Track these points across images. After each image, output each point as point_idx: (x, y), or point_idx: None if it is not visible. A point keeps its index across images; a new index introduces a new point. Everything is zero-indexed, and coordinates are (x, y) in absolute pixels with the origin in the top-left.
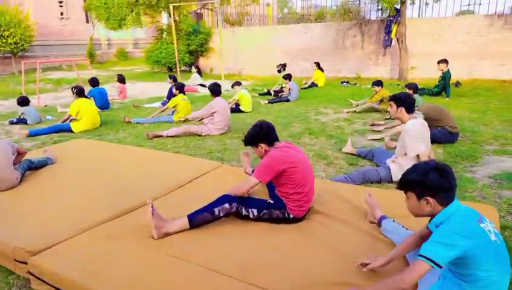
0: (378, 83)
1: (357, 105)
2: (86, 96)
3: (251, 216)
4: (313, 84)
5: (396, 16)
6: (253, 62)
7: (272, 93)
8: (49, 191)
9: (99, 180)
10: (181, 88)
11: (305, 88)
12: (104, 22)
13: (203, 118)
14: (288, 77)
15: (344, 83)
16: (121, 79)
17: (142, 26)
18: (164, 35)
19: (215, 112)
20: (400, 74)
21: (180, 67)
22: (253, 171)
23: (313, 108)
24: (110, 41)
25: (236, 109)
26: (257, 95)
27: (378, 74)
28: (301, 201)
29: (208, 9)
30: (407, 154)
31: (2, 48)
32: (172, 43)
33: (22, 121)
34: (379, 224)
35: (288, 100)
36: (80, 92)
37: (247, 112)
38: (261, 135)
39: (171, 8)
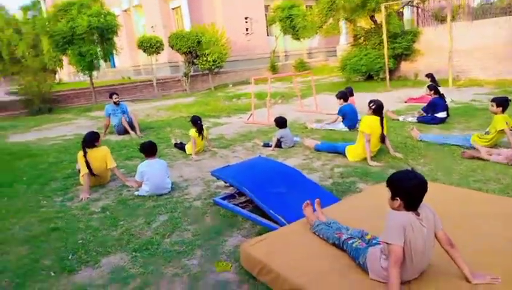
0: None
1: None
2: (382, 116)
3: None
4: None
5: None
6: (478, 63)
7: None
8: None
9: None
10: (504, 104)
11: None
12: (300, 31)
13: None
14: None
15: None
16: (350, 91)
17: (340, 33)
18: (361, 41)
19: None
20: None
21: (381, 74)
22: None
23: None
24: (287, 52)
25: None
26: None
27: None
28: None
29: (412, 6)
30: None
31: (202, 66)
32: (375, 48)
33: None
34: None
35: None
36: (378, 109)
37: None
38: None
39: (382, 8)
